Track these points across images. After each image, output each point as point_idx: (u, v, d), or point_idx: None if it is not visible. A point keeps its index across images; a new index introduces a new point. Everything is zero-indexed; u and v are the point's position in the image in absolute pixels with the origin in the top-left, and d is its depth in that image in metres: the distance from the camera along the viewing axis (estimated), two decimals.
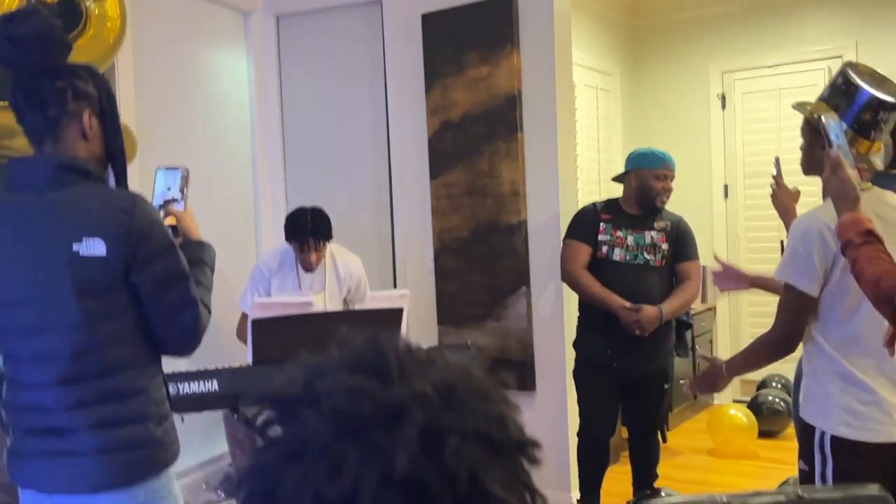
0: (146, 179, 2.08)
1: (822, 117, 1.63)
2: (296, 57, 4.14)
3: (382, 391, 0.64)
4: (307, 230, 3.23)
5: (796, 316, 1.83)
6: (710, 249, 4.43)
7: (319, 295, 3.16)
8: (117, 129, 1.71)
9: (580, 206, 3.50)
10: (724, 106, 5.29)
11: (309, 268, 3.32)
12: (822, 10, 4.97)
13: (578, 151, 4.92)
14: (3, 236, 1.64)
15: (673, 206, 3.34)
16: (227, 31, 3.99)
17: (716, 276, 2.61)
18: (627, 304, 3.08)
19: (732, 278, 2.55)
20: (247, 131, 4.09)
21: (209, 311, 1.76)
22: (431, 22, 3.62)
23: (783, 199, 2.38)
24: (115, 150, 1.71)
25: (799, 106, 1.91)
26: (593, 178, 5.14)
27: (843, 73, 1.89)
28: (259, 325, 2.73)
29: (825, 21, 4.98)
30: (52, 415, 1.62)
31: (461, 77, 3.56)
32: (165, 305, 1.65)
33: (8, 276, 1.64)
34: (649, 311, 3.08)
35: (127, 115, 3.21)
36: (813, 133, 1.89)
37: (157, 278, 1.64)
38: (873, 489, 1.40)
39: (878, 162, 1.89)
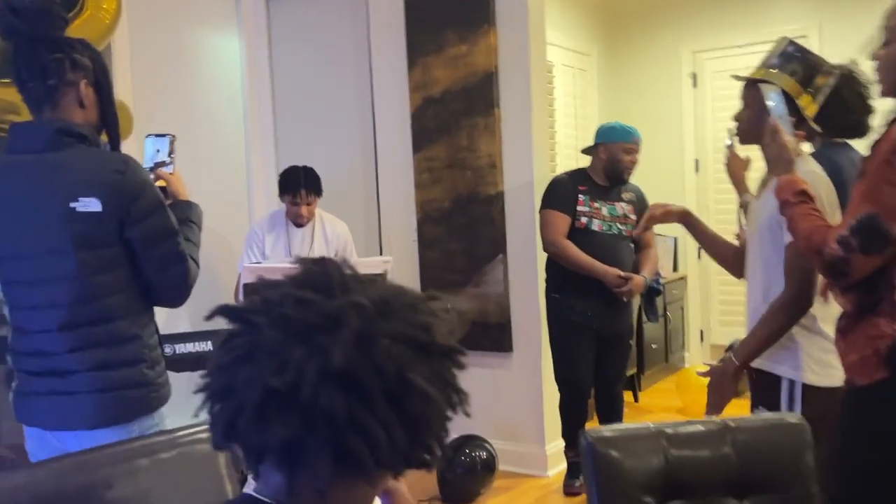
0: (142, 152, 2.24)
1: (762, 88, 1.80)
2: (285, 36, 4.31)
3: (325, 301, 0.80)
4: (300, 182, 3.47)
5: (807, 270, 1.83)
6: None
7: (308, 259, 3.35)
8: (111, 99, 1.86)
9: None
10: (695, 84, 5.52)
11: (300, 221, 3.54)
12: None
13: (556, 128, 5.13)
14: (5, 196, 1.77)
15: (645, 179, 3.57)
16: (220, 11, 4.15)
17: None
18: (621, 273, 3.33)
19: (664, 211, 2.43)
20: (239, 107, 4.26)
21: (198, 265, 1.92)
22: (413, 2, 3.81)
23: (735, 168, 2.56)
24: (109, 118, 1.86)
25: (740, 77, 2.10)
26: (571, 153, 5.34)
27: (791, 43, 2.06)
28: (249, 288, 2.93)
29: (791, 2, 5.20)
30: (52, 358, 1.78)
31: (441, 55, 3.75)
32: (157, 259, 1.81)
33: (10, 232, 1.77)
34: (638, 279, 3.37)
35: (123, 92, 3.39)
36: (756, 101, 2.09)
37: (149, 234, 1.79)
38: (793, 418, 1.61)
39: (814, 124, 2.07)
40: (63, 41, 1.79)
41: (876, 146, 1.53)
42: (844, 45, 5.15)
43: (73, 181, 1.73)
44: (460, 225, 3.80)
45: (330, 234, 3.67)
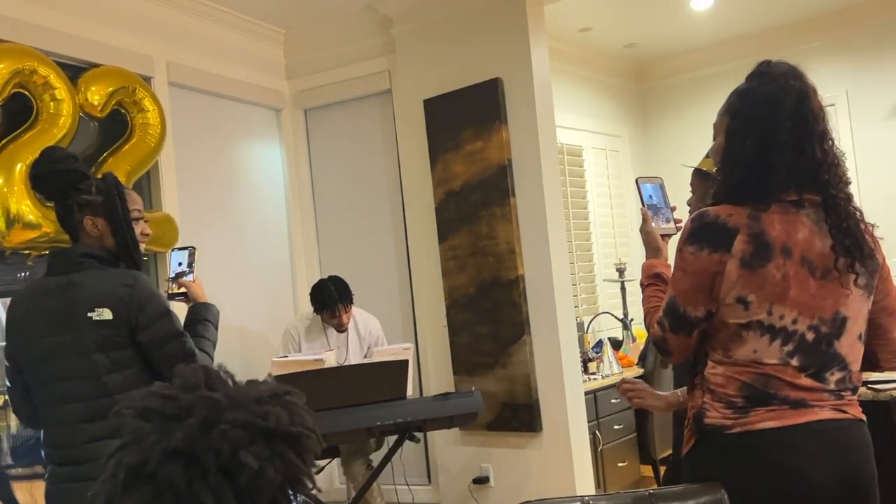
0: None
1: (638, 181, 1.97)
2: (322, 143, 4.70)
3: (183, 396, 1.00)
4: (335, 299, 3.76)
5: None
6: None
7: (331, 353, 3.59)
8: (120, 224, 2.12)
9: (572, 259, 3.86)
10: None
11: (342, 329, 3.82)
12: (817, 61, 5.27)
13: (590, 208, 5.29)
14: (40, 310, 2.10)
15: None
16: (262, 125, 4.58)
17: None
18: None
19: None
20: (282, 209, 4.64)
21: (211, 357, 2.21)
22: (432, 106, 4.11)
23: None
24: (120, 240, 2.14)
25: (686, 166, 2.26)
26: (608, 231, 5.48)
27: None
28: (279, 381, 3.18)
29: (820, 72, 5.26)
30: (75, 448, 2.06)
31: (459, 152, 4.02)
32: (166, 357, 2.10)
33: (40, 340, 2.09)
34: None
35: (170, 206, 3.78)
36: (698, 188, 2.24)
37: (157, 337, 2.09)
38: (713, 487, 1.69)
39: None
40: (73, 190, 2.11)
41: None
42: (872, 111, 5.20)
43: (90, 295, 2.06)
44: (485, 309, 3.97)
45: (363, 330, 3.95)
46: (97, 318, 2.04)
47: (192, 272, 2.40)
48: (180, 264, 2.41)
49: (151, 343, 2.09)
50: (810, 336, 1.59)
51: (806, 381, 1.58)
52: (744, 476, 1.58)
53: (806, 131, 1.59)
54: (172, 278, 2.39)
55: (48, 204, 3.07)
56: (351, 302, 3.84)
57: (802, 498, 1.55)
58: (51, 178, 2.10)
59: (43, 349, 2.09)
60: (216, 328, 2.31)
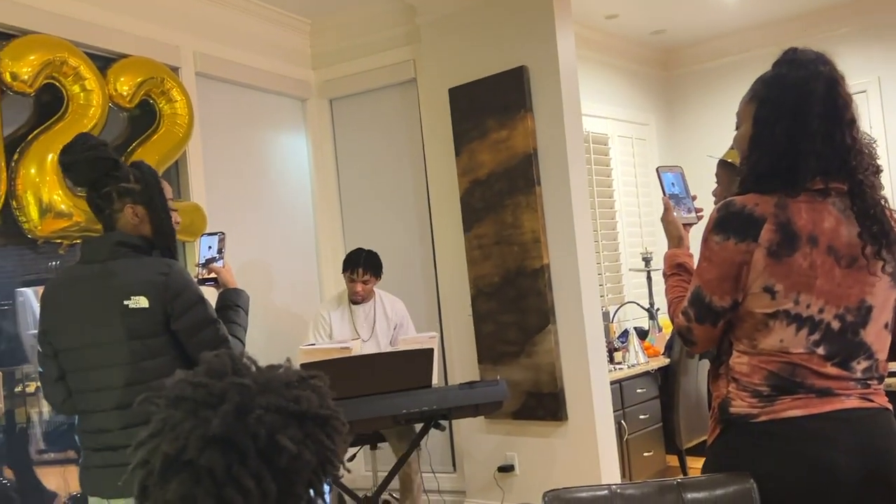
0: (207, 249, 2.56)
1: (659, 170, 1.95)
2: (347, 133, 4.72)
3: (214, 383, 1.01)
4: (359, 262, 3.84)
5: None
6: None
7: (357, 341, 3.62)
8: (159, 212, 2.16)
9: (598, 248, 3.84)
10: None
11: (355, 298, 3.87)
12: (848, 47, 5.18)
13: (616, 196, 5.26)
14: (76, 299, 2.11)
15: None
16: (287, 115, 4.60)
17: None
18: None
19: None
20: (308, 197, 4.67)
21: (243, 343, 2.23)
22: (457, 95, 4.10)
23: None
24: (158, 228, 2.17)
25: (711, 157, 2.24)
26: (634, 220, 5.45)
27: None
28: (306, 368, 3.21)
29: (851, 58, 5.18)
30: (108, 434, 2.09)
31: (484, 141, 4.01)
32: (200, 344, 2.10)
33: (76, 328, 2.11)
34: None
35: (197, 194, 3.82)
36: (724, 178, 2.22)
37: (191, 324, 2.10)
38: (742, 476, 1.68)
39: None
40: (111, 177, 2.13)
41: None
42: None
43: (126, 283, 2.07)
44: (510, 298, 3.97)
45: (390, 311, 3.98)
46: (133, 305, 2.05)
47: (222, 257, 2.39)
48: (210, 248, 2.40)
49: (186, 330, 2.10)
50: (836, 325, 1.58)
51: (832, 369, 1.58)
52: (769, 464, 1.58)
53: (836, 118, 1.58)
54: (203, 263, 2.38)
55: (80, 193, 3.12)
56: (374, 275, 3.87)
57: (828, 486, 1.55)
58: (84, 164, 2.11)
59: (78, 336, 2.10)
60: (246, 314, 2.32)
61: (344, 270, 3.91)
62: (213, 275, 2.38)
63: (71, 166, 2.12)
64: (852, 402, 1.58)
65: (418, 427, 3.39)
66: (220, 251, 2.41)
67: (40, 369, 2.21)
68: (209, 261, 2.40)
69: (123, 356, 2.06)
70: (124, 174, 2.15)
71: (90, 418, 2.13)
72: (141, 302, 2.05)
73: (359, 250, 3.93)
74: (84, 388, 2.13)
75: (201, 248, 2.43)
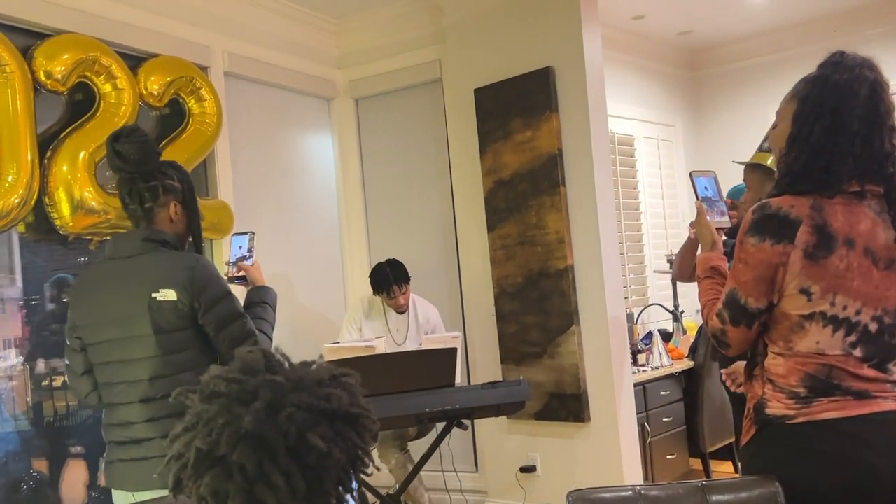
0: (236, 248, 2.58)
1: (692, 174, 1.95)
2: (373, 132, 4.74)
3: (247, 380, 1.02)
4: (390, 280, 3.83)
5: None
6: None
7: (381, 339, 3.64)
8: (196, 212, 2.23)
9: (622, 250, 3.83)
10: None
11: (401, 310, 3.91)
12: (880, 48, 5.10)
13: (641, 198, 5.24)
14: (104, 293, 2.13)
15: None
16: (314, 115, 4.63)
17: None
18: None
19: None
20: (333, 197, 4.70)
21: (270, 339, 2.23)
22: (482, 95, 4.11)
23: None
24: (194, 228, 2.23)
25: (739, 162, 2.23)
26: (659, 222, 5.42)
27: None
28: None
29: (883, 60, 5.11)
30: (133, 427, 2.10)
31: (509, 141, 4.01)
32: (228, 339, 2.12)
33: (104, 322, 2.12)
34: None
35: (225, 193, 3.86)
36: (754, 183, 2.21)
37: (218, 319, 2.10)
38: (768, 479, 1.68)
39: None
40: (158, 171, 2.16)
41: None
42: None
43: (154, 276, 2.08)
44: (533, 299, 3.97)
45: (422, 317, 4.00)
46: (161, 298, 2.06)
47: (252, 256, 2.42)
48: (241, 247, 2.43)
49: (213, 324, 2.10)
50: (873, 327, 1.58)
51: (869, 371, 1.57)
52: (805, 465, 1.58)
53: (877, 123, 1.58)
54: (233, 262, 2.42)
55: (111, 190, 3.17)
56: (406, 282, 3.89)
57: (864, 487, 1.54)
58: (138, 153, 2.10)
59: (107, 329, 2.11)
60: (274, 311, 2.34)
61: (376, 292, 3.91)
62: (242, 273, 2.40)
63: (123, 154, 2.10)
64: (889, 405, 1.58)
65: (440, 427, 3.40)
66: (250, 250, 2.44)
67: (67, 362, 2.23)
68: (239, 259, 2.42)
69: (151, 349, 2.07)
70: (170, 172, 2.18)
71: (116, 411, 2.14)
72: (169, 295, 2.06)
73: (381, 267, 3.91)
74: (111, 381, 2.14)
75: (232, 247, 2.47)
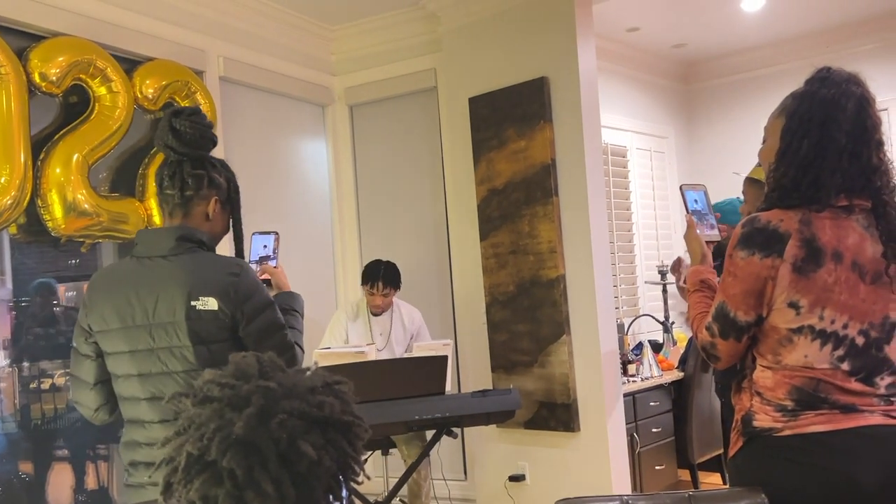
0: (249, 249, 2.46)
1: (682, 188, 1.97)
2: (367, 139, 4.75)
3: (240, 385, 1.02)
4: (379, 274, 3.83)
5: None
6: None
7: (372, 346, 3.64)
8: (239, 215, 2.03)
9: (614, 260, 3.85)
10: None
11: (375, 311, 3.88)
12: (871, 64, 5.16)
13: (634, 209, 5.26)
14: (131, 296, 1.86)
15: None
16: (308, 121, 4.64)
17: None
18: None
19: None
20: (327, 203, 4.70)
21: (302, 351, 2.02)
22: (476, 104, 4.12)
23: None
24: (237, 230, 2.03)
25: (737, 174, 2.25)
26: (651, 233, 5.44)
27: None
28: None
29: (874, 76, 5.15)
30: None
31: (503, 150, 4.03)
32: (268, 350, 1.90)
33: (132, 330, 1.85)
34: None
35: None
36: (751, 196, 2.23)
37: (260, 330, 1.88)
38: (753, 490, 1.68)
39: None
40: (206, 160, 1.95)
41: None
42: None
43: (195, 282, 1.84)
44: (525, 307, 3.98)
45: (407, 320, 4.00)
46: (201, 307, 1.83)
47: (276, 258, 2.23)
48: (265, 247, 2.25)
49: (255, 335, 1.89)
50: (860, 340, 1.59)
51: (856, 385, 1.58)
52: (792, 478, 1.58)
53: (864, 137, 1.60)
54: (256, 261, 2.21)
55: (103, 193, 3.16)
56: (394, 287, 3.88)
57: (849, 501, 1.55)
58: (197, 134, 1.91)
59: (133, 338, 1.86)
60: (302, 318, 2.15)
61: (363, 283, 3.91)
62: (265, 276, 2.17)
63: (180, 131, 1.89)
64: (875, 419, 1.59)
65: (429, 434, 3.40)
66: (274, 251, 2.25)
67: (72, 372, 1.97)
68: (263, 259, 2.24)
69: (185, 362, 1.83)
70: (218, 166, 1.99)
71: (138, 429, 1.89)
72: (210, 304, 1.83)
73: (377, 263, 3.91)
74: (136, 396, 1.88)
75: (254, 246, 2.26)
